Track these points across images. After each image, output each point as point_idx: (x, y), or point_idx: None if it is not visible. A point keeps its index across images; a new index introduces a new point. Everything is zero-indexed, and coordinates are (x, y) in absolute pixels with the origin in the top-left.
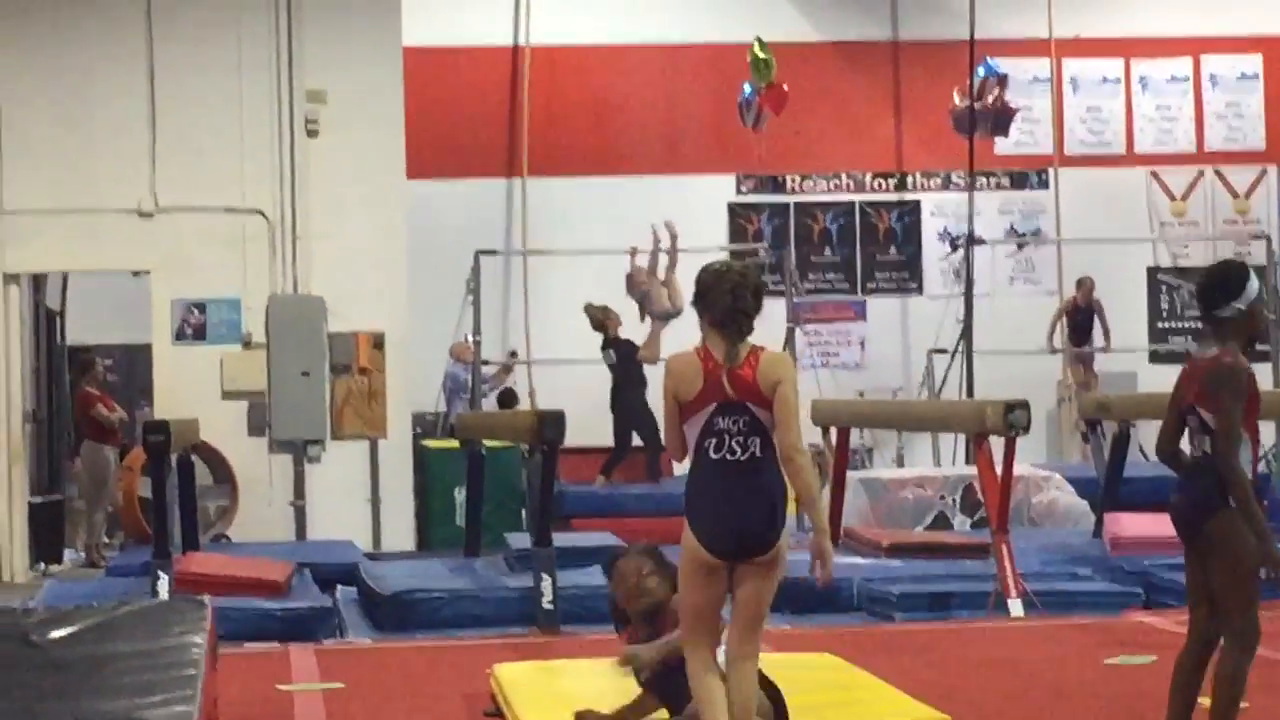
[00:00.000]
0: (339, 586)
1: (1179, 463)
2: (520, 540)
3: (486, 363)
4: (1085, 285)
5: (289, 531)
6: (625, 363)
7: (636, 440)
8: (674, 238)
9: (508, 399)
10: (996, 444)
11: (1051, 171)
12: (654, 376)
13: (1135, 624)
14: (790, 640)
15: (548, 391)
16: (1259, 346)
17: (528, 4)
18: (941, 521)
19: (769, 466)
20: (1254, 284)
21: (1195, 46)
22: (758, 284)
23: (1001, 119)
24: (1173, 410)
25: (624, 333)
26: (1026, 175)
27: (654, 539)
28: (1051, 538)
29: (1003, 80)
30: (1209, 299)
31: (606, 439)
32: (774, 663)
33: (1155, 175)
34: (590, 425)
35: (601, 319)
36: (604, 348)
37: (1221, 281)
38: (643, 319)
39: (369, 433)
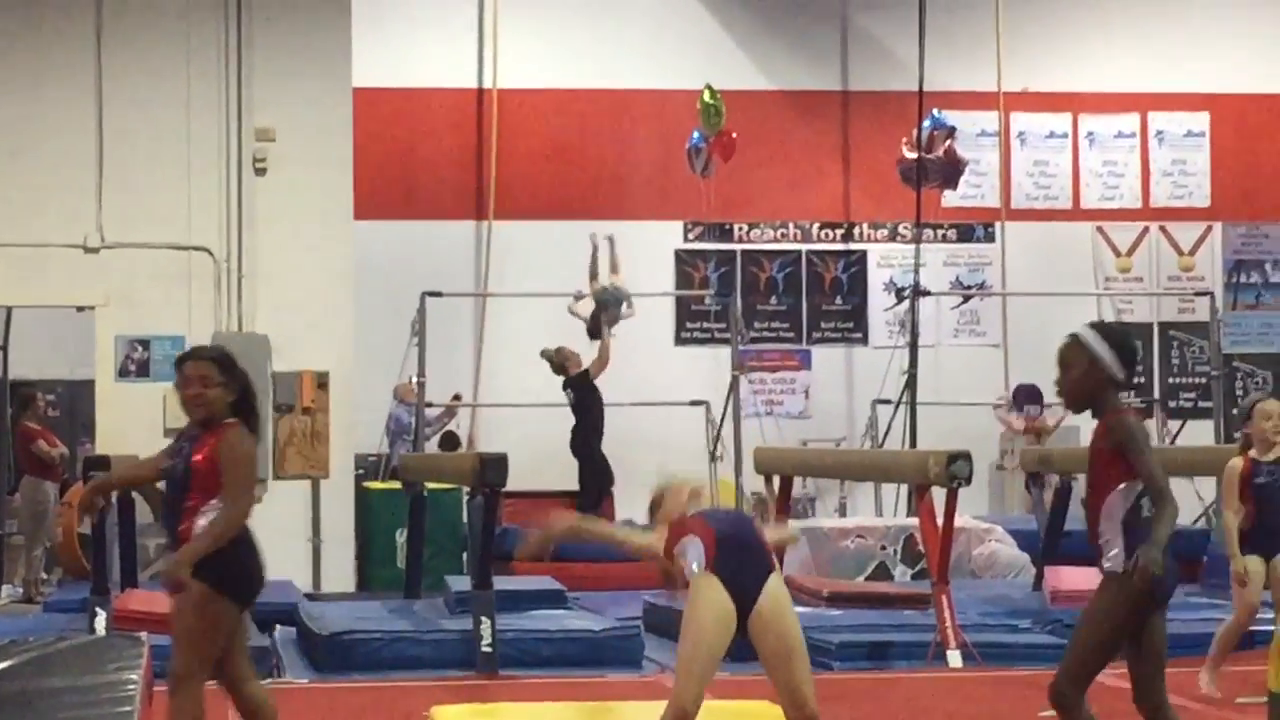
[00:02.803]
0: (278, 626)
1: None
2: (460, 583)
3: (430, 405)
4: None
5: None
6: (583, 399)
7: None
8: (611, 243)
9: (449, 442)
10: (938, 495)
11: (998, 225)
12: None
13: None
14: (729, 688)
15: (495, 435)
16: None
17: (494, 48)
18: (882, 571)
19: None
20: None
21: (1143, 103)
22: None
23: (951, 171)
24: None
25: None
26: (973, 228)
27: (600, 585)
28: (992, 589)
29: (951, 132)
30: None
31: (552, 483)
32: (713, 710)
33: (1101, 230)
34: (536, 469)
35: (560, 361)
36: (565, 387)
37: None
38: (592, 339)
39: (311, 472)
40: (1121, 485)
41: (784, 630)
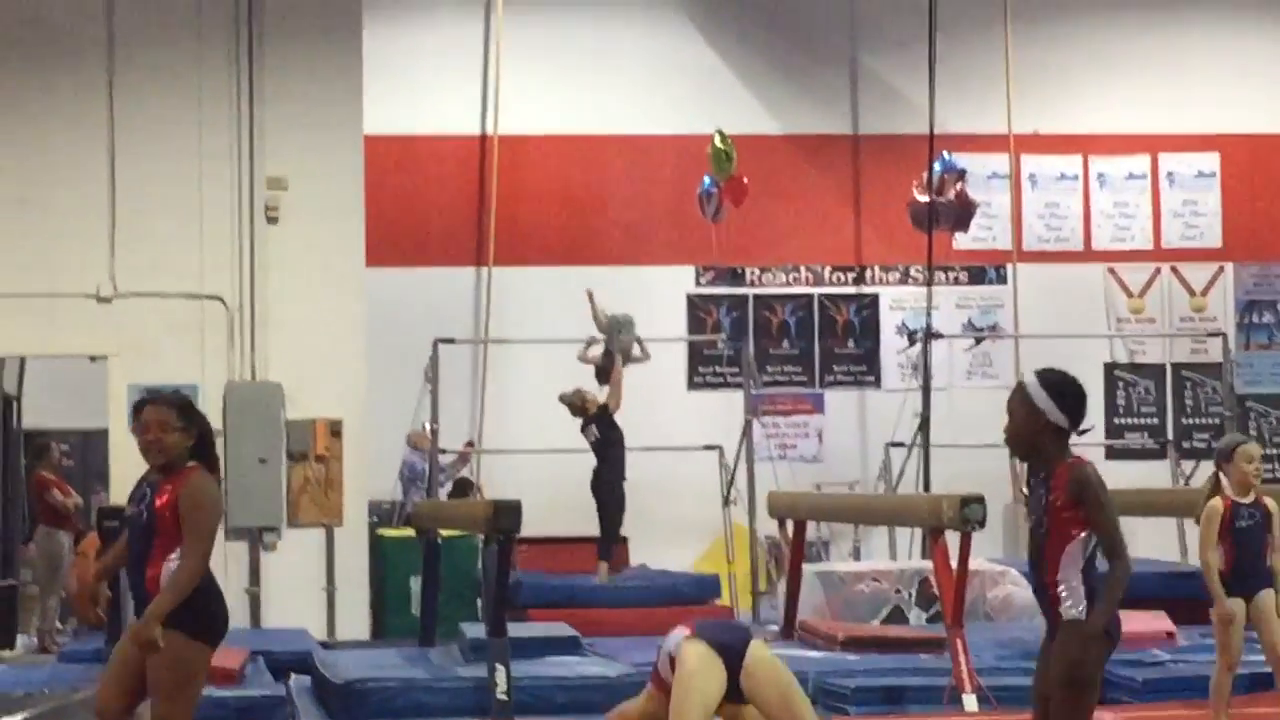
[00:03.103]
0: (293, 675)
1: None
2: (475, 630)
3: (444, 451)
4: None
5: (244, 619)
6: (606, 436)
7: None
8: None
9: (463, 488)
10: (952, 538)
11: (1010, 267)
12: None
13: None
14: None
15: (507, 481)
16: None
17: (495, 94)
18: (897, 615)
19: None
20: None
21: (1153, 144)
22: None
23: (963, 214)
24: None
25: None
26: (984, 270)
27: (615, 630)
28: (1007, 633)
29: (962, 175)
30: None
31: (563, 529)
32: None
33: (1113, 272)
34: (549, 515)
35: (579, 404)
36: (584, 427)
37: None
38: (602, 384)
39: (325, 520)
40: (1082, 534)
41: (778, 679)
